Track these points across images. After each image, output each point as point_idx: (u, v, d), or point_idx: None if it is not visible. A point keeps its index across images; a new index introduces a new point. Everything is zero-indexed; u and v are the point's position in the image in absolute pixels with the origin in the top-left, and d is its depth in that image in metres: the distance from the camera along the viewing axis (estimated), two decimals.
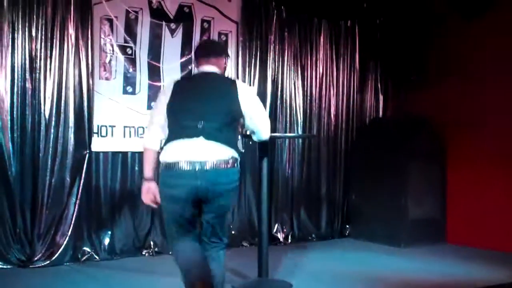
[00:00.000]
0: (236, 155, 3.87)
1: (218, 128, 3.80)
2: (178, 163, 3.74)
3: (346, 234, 7.74)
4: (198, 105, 3.85)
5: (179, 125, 3.82)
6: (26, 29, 5.70)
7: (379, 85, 8.11)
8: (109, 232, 6.18)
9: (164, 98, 3.96)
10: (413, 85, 7.62)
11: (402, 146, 7.10)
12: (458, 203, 7.21)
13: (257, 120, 4.08)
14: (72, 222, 5.92)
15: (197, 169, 3.71)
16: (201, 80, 4.06)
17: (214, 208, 3.85)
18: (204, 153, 3.74)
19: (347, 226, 7.76)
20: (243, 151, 4.95)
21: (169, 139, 3.86)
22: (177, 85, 4.01)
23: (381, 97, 8.13)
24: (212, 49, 4.26)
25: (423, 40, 7.44)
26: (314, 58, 7.56)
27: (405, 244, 6.93)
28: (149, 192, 3.94)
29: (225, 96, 3.93)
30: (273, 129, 6.92)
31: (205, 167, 3.72)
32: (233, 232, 6.87)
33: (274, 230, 7.20)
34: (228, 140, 3.83)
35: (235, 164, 3.86)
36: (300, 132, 7.39)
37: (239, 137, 4.13)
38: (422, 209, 7.09)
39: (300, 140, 7.44)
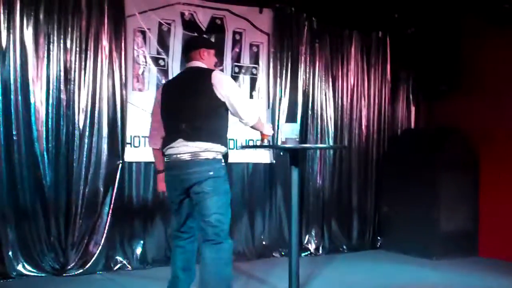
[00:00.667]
0: (213, 146, 4.18)
1: (197, 126, 4.18)
2: (168, 159, 4.31)
3: (378, 245, 7.70)
4: (178, 106, 4.29)
5: (168, 129, 4.34)
6: (61, 41, 5.82)
7: (410, 96, 8.08)
8: (142, 242, 6.24)
9: (156, 101, 4.52)
10: (446, 96, 7.56)
11: (434, 157, 7.05)
12: (491, 215, 7.11)
13: (236, 106, 4.27)
14: (105, 231, 6.00)
15: (175, 161, 4.23)
16: (182, 79, 4.50)
17: (193, 195, 4.20)
18: (181, 148, 4.19)
19: (379, 237, 7.72)
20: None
21: (164, 141, 4.37)
22: (165, 87, 4.56)
23: (413, 108, 8.09)
24: (189, 44, 4.63)
25: (455, 51, 7.37)
26: (345, 69, 7.56)
27: (437, 257, 6.86)
28: (162, 181, 4.50)
29: (200, 91, 4.23)
30: (304, 140, 7.00)
31: (179, 158, 4.20)
32: (263, 243, 6.90)
33: (305, 241, 7.19)
34: (207, 135, 4.19)
35: (210, 155, 4.18)
36: (331, 143, 7.38)
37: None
38: (454, 221, 7.01)
39: (331, 151, 7.42)
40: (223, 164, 4.25)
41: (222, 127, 4.30)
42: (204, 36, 6.41)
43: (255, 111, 4.43)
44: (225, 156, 4.31)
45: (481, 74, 7.17)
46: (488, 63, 7.11)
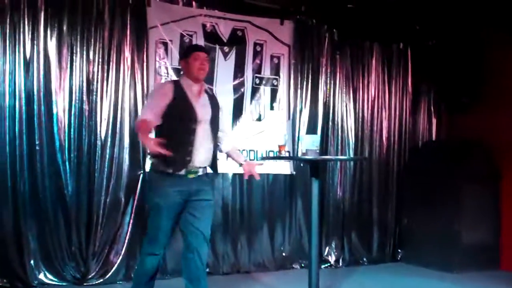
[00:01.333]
0: (151, 160, 4.34)
1: None
2: None
3: (398, 258, 7.64)
4: None
5: None
6: (84, 52, 5.88)
7: (432, 108, 8.04)
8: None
9: None
10: (467, 108, 7.51)
11: (456, 169, 7.00)
12: None
13: None
14: (126, 241, 6.02)
15: None
16: None
17: None
18: None
19: (399, 250, 7.66)
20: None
21: None
22: None
23: (434, 120, 8.05)
24: None
25: (477, 63, 7.33)
26: (366, 81, 7.55)
27: (457, 270, 6.80)
28: None
29: None
30: (325, 151, 6.98)
31: None
32: (283, 254, 6.88)
33: (325, 253, 7.16)
34: None
35: (149, 167, 4.44)
36: (351, 154, 7.35)
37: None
38: (475, 234, 6.95)
39: (352, 163, 7.40)
40: (158, 174, 4.24)
41: (164, 136, 4.10)
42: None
43: (142, 116, 4.25)
44: (171, 164, 4.19)
45: (503, 86, 7.11)
46: (510, 75, 7.05)
